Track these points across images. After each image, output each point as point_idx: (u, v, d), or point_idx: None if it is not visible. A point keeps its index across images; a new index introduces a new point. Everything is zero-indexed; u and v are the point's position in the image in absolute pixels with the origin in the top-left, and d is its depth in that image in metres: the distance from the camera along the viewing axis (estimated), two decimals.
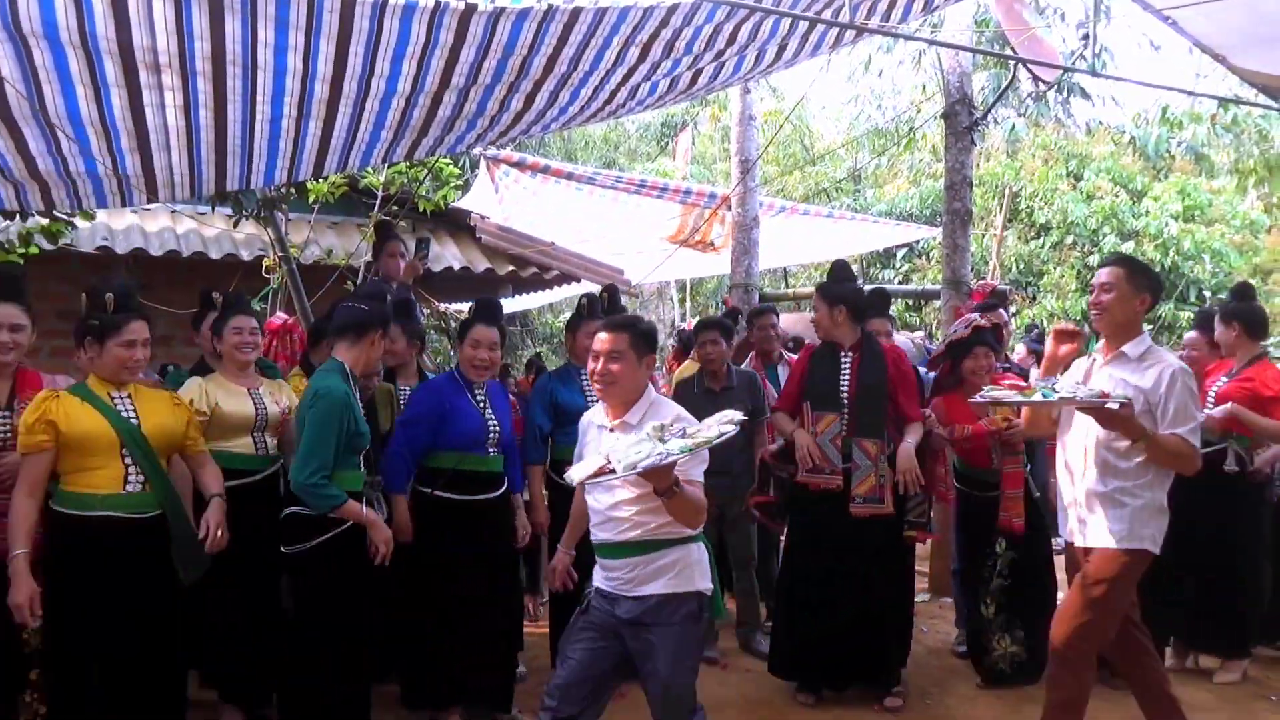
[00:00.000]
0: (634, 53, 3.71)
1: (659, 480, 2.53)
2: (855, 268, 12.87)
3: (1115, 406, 3.04)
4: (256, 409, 3.79)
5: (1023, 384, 3.37)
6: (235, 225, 5.80)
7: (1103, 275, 3.30)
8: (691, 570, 2.81)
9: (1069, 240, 12.10)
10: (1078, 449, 3.31)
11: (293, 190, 5.76)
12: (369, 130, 3.88)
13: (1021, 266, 12.25)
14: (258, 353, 3.94)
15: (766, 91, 16.38)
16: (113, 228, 6.73)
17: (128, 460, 3.17)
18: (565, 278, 8.27)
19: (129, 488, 3.17)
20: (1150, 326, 10.86)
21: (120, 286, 3.26)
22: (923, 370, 5.11)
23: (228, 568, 3.46)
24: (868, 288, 5.07)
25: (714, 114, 17.28)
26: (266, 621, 3.71)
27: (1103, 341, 3.34)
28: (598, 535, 2.89)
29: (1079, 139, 14.65)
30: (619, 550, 2.82)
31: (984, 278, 8.34)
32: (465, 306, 10.73)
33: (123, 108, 3.27)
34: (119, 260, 6.44)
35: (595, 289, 9.14)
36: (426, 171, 6.67)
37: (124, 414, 3.21)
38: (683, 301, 14.96)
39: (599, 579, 2.90)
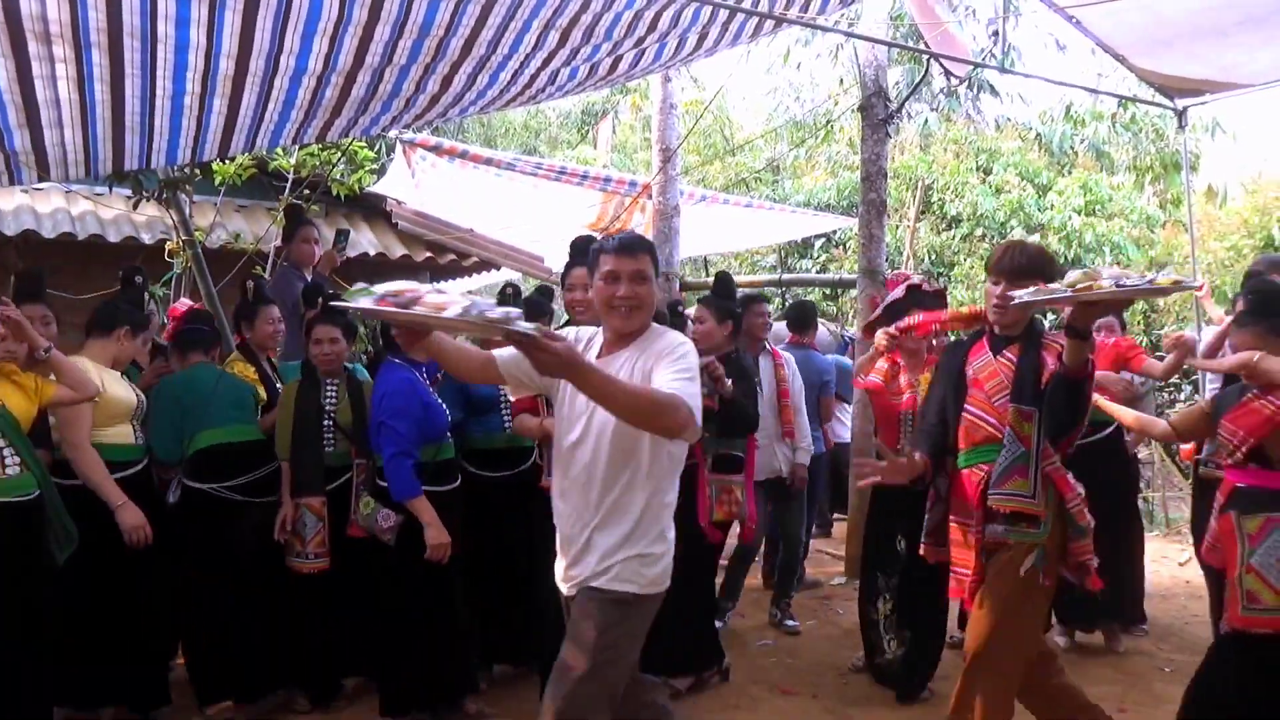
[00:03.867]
0: (554, 37, 3.67)
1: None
2: (773, 257, 13.05)
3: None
4: (137, 396, 3.65)
5: None
6: (135, 207, 5.55)
7: None
8: None
9: (979, 232, 12.50)
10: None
11: (197, 171, 5.54)
12: (278, 109, 3.77)
13: (933, 257, 12.60)
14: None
15: (687, 81, 16.41)
16: (0, 208, 6.38)
17: (1, 443, 3.04)
18: (484, 264, 8.18)
19: (8, 471, 3.04)
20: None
21: None
22: (842, 359, 5.20)
23: (106, 564, 3.38)
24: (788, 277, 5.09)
25: (635, 102, 17.25)
26: (161, 616, 3.63)
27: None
28: None
29: (988, 134, 15.08)
30: None
31: (898, 268, 8.53)
32: None
33: (10, 80, 3.11)
34: (8, 242, 6.13)
35: (515, 276, 9.10)
36: (340, 154, 6.49)
37: None
38: None
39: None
